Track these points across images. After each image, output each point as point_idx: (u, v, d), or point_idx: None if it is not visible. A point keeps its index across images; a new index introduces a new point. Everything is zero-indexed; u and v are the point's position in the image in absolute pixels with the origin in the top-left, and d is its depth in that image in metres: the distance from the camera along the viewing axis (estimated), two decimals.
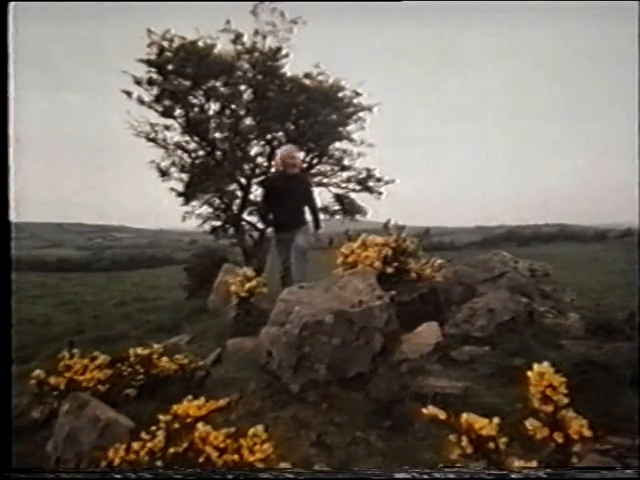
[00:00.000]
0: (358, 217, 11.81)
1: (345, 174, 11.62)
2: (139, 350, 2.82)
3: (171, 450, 1.66)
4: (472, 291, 4.11)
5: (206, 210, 11.04)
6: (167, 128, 10.24)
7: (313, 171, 11.40)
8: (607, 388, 2.25)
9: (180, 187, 10.54)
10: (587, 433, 1.49)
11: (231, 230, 11.10)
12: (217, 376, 2.93)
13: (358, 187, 11.59)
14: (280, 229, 4.77)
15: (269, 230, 4.62)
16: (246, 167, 10.76)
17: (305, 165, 11.20)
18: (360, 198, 11.86)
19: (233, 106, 10.27)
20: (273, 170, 4.67)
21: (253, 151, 10.97)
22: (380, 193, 11.56)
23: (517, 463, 1.42)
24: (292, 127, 10.56)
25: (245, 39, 9.76)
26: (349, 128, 11.01)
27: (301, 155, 5.11)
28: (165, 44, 9.35)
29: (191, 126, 10.09)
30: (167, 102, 9.82)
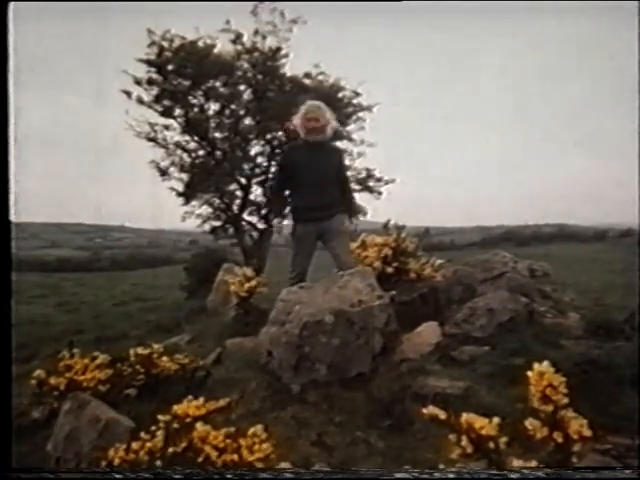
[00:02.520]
0: (358, 217, 11.78)
1: None
2: (139, 350, 2.82)
3: (170, 450, 1.66)
4: (472, 291, 4.11)
5: (206, 210, 11.03)
6: (167, 128, 10.23)
7: None
8: (607, 388, 2.25)
9: (180, 187, 10.54)
10: (587, 433, 1.50)
11: (231, 230, 11.09)
12: (217, 376, 2.93)
13: (358, 187, 11.58)
14: (300, 219, 3.54)
15: (277, 222, 3.77)
16: (246, 167, 10.75)
17: None
18: (360, 198, 11.85)
19: (233, 106, 10.26)
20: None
21: (253, 151, 10.96)
22: (380, 193, 11.55)
23: (517, 463, 1.42)
24: (292, 127, 10.55)
25: (245, 39, 9.76)
26: (349, 128, 11.01)
27: (329, 115, 3.58)
28: (165, 44, 9.34)
29: (191, 126, 10.09)
30: (167, 102, 9.81)
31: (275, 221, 3.80)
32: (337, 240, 3.53)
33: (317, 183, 3.48)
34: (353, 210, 3.73)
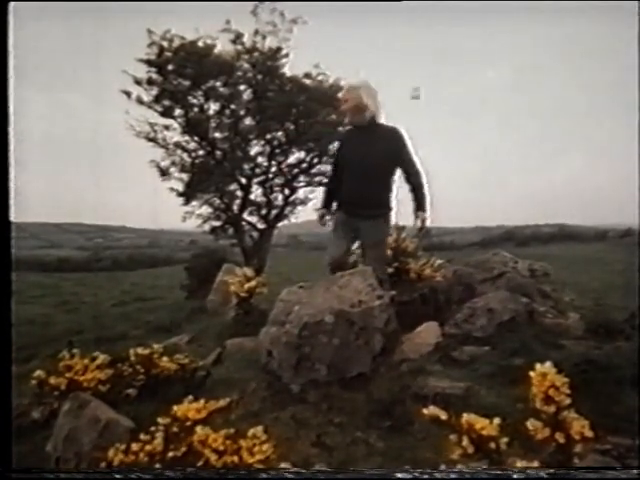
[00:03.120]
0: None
1: None
2: (139, 350, 2.82)
3: (170, 454, 1.65)
4: (472, 291, 4.11)
5: (206, 210, 11.03)
6: (167, 128, 10.23)
7: (313, 171, 11.41)
8: (607, 388, 2.25)
9: (180, 187, 10.55)
10: (588, 433, 1.49)
11: (231, 230, 11.09)
12: (217, 376, 2.93)
13: None
14: (341, 210, 3.36)
15: (319, 212, 3.47)
16: (246, 167, 10.75)
17: (305, 165, 11.20)
18: None
19: (233, 106, 10.26)
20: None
21: (253, 151, 10.96)
22: None
23: (518, 463, 1.42)
24: (292, 127, 10.56)
25: (245, 39, 9.76)
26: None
27: (362, 94, 3.17)
28: (165, 44, 9.34)
29: (191, 126, 10.09)
30: (167, 102, 9.81)
31: (319, 212, 3.46)
32: (370, 251, 3.31)
33: (359, 174, 3.17)
34: (422, 205, 3.25)
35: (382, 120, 3.30)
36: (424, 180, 3.28)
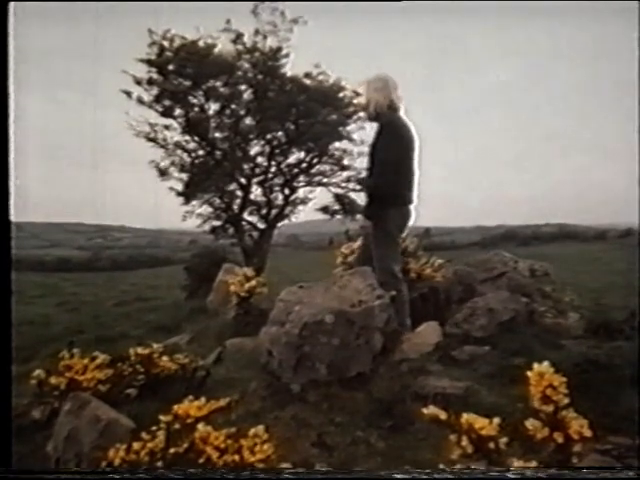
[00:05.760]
0: (358, 217, 11.75)
1: (345, 174, 11.62)
2: (139, 350, 2.82)
3: (171, 450, 1.66)
4: (472, 291, 4.11)
5: (206, 210, 11.05)
6: (167, 128, 10.25)
7: (313, 171, 11.42)
8: (607, 388, 2.25)
9: (180, 187, 10.55)
10: (587, 433, 1.50)
11: (231, 230, 11.10)
12: (217, 376, 2.93)
13: (358, 187, 11.58)
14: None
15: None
16: (246, 167, 10.76)
17: (305, 165, 11.20)
18: (360, 198, 11.84)
19: (233, 106, 10.27)
20: None
21: (253, 151, 10.99)
22: None
23: (517, 463, 1.42)
24: (292, 127, 10.57)
25: (246, 39, 9.77)
26: (349, 128, 11.02)
27: (367, 89, 3.19)
28: (165, 44, 9.35)
29: (191, 126, 10.10)
30: (167, 102, 9.83)
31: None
32: (374, 248, 3.26)
33: (369, 166, 3.17)
34: (368, 204, 3.14)
35: (400, 112, 3.17)
36: (377, 185, 3.10)
